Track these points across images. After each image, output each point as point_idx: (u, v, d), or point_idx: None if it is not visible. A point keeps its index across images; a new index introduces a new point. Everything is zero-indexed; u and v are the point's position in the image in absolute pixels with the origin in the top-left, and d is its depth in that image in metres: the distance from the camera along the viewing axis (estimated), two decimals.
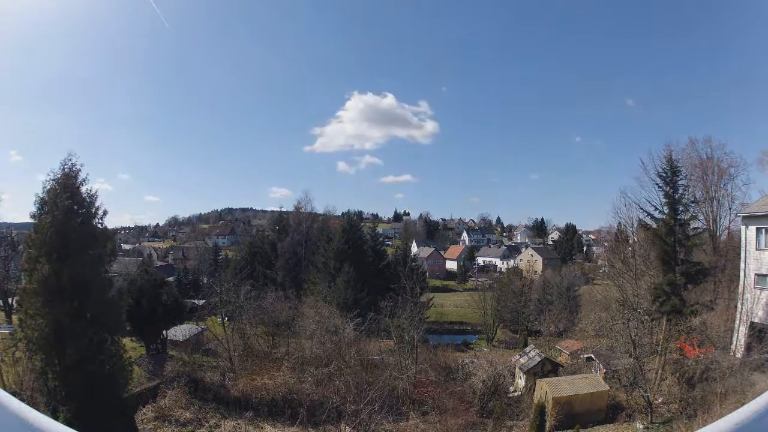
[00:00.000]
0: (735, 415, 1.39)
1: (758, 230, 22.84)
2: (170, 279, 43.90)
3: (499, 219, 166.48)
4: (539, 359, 24.77)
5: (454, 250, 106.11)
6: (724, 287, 28.80)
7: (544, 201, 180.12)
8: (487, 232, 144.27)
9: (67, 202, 14.77)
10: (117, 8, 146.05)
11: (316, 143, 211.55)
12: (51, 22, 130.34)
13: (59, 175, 15.26)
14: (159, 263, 73.51)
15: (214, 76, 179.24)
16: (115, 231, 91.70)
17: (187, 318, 30.39)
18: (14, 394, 7.04)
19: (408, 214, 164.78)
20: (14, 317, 23.45)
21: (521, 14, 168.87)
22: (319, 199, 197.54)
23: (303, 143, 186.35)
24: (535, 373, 23.83)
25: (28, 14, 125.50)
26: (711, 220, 35.29)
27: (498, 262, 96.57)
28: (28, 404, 1.55)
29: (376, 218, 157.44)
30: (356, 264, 43.84)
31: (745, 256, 23.29)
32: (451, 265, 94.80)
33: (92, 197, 15.81)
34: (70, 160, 15.52)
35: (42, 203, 15.03)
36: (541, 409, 17.99)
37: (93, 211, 15.78)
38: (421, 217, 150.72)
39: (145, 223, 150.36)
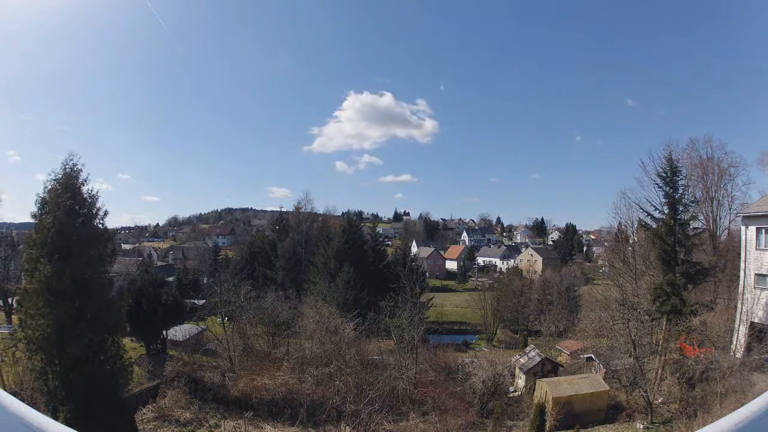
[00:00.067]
0: (735, 415, 1.39)
1: (758, 230, 22.85)
2: (170, 279, 43.94)
3: (499, 219, 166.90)
4: (539, 359, 24.78)
5: (454, 250, 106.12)
6: (724, 287, 28.81)
7: (544, 201, 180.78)
8: (487, 232, 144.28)
9: (68, 203, 14.73)
10: (116, 8, 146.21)
11: (315, 143, 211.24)
12: (49, 21, 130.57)
13: (60, 175, 15.22)
14: (159, 263, 73.56)
15: (213, 75, 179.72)
16: (116, 231, 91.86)
17: (187, 318, 30.37)
18: (14, 394, 7.03)
19: (408, 214, 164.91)
20: (14, 317, 23.45)
21: (521, 13, 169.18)
22: (319, 199, 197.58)
23: (302, 143, 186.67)
24: (535, 373, 23.83)
25: (26, 14, 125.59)
26: (711, 220, 35.32)
27: (498, 262, 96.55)
28: (28, 404, 1.56)
29: (376, 218, 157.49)
30: (356, 264, 43.86)
31: (745, 256, 23.29)
32: (451, 265, 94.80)
33: (93, 197, 15.77)
34: (71, 160, 15.47)
35: (43, 203, 14.99)
36: (541, 409, 18.01)
37: (94, 211, 15.75)
38: (421, 217, 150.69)
39: (145, 223, 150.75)
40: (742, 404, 1.46)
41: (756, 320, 21.48)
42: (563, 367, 26.00)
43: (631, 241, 32.74)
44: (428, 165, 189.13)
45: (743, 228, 24.08)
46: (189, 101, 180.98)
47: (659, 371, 19.92)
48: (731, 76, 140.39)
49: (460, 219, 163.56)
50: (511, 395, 23.95)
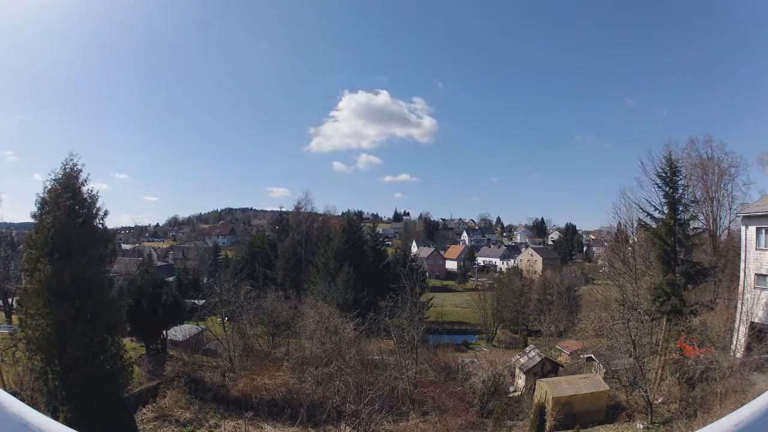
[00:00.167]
0: (735, 415, 1.39)
1: (758, 230, 22.85)
2: (170, 279, 43.91)
3: (499, 219, 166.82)
4: (539, 359, 24.78)
5: (454, 250, 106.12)
6: (724, 287, 28.81)
7: (544, 201, 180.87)
8: (487, 232, 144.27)
9: (68, 203, 14.74)
10: (113, 8, 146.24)
11: (313, 143, 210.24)
12: (46, 21, 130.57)
13: (60, 175, 15.23)
14: (159, 263, 73.58)
15: (209, 75, 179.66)
16: (116, 231, 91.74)
17: (187, 318, 30.37)
18: (14, 394, 7.04)
19: (408, 214, 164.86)
20: (14, 317, 23.45)
21: (520, 12, 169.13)
22: (318, 199, 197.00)
23: (301, 143, 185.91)
24: (535, 373, 23.84)
25: (23, 13, 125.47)
26: (711, 220, 35.32)
27: (498, 262, 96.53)
28: (28, 404, 1.55)
29: (375, 218, 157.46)
30: (356, 264, 43.86)
31: (745, 256, 23.30)
32: (451, 265, 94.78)
33: (93, 197, 15.78)
34: (71, 160, 15.48)
35: (43, 203, 14.99)
36: (541, 409, 18.01)
37: (94, 211, 15.76)
38: (421, 217, 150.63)
39: (145, 223, 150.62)
40: (742, 404, 1.46)
41: (756, 320, 21.49)
42: (563, 367, 26.00)
43: (631, 241, 32.74)
44: (428, 165, 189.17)
45: (743, 228, 24.08)
46: (185, 101, 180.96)
47: (659, 371, 19.92)
48: (731, 77, 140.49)
49: (460, 219, 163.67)
50: (511, 395, 23.95)
